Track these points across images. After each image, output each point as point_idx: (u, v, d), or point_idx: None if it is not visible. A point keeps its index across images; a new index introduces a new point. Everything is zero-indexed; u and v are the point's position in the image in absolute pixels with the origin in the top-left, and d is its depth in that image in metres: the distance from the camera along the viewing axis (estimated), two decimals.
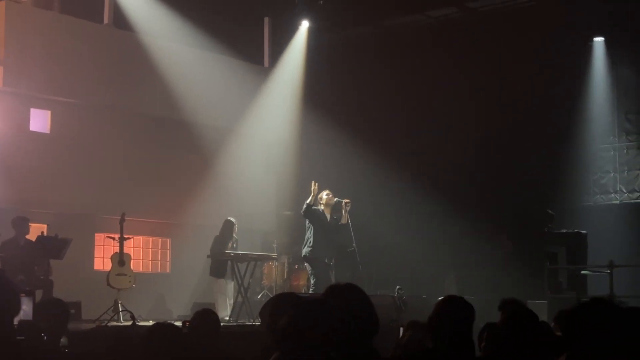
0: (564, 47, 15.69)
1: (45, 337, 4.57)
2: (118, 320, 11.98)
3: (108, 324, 11.16)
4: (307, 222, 13.00)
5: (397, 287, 12.39)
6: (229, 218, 14.18)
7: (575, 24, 15.50)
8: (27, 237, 12.20)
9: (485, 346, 5.62)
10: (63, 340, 5.42)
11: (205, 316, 5.71)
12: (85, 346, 6.68)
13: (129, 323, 11.15)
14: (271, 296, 14.30)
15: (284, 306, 3.99)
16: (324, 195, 13.03)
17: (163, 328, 4.22)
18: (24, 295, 3.60)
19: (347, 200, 12.94)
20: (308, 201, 12.81)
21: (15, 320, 2.80)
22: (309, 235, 12.90)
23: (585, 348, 3.67)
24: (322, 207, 13.00)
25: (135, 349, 5.04)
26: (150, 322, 12.19)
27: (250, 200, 16.72)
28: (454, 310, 4.37)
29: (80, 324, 11.09)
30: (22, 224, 12.21)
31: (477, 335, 5.59)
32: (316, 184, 12.84)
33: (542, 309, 11.24)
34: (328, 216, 13.01)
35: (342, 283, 3.58)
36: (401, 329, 6.11)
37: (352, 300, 3.42)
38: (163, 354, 4.11)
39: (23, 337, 3.30)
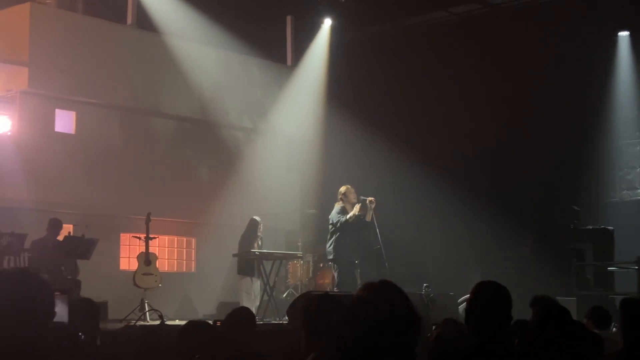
0: (588, 42, 15.55)
1: (82, 337, 4.59)
2: (145, 319, 12.02)
3: (137, 324, 11.17)
4: (332, 222, 12.94)
5: (425, 284, 12.34)
6: (254, 217, 14.19)
7: (599, 19, 15.35)
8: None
9: (518, 343, 5.58)
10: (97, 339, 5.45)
11: (240, 314, 5.69)
12: (116, 346, 6.70)
13: (157, 322, 11.17)
14: (297, 295, 14.43)
15: (320, 306, 3.98)
16: (349, 192, 12.98)
17: (197, 325, 4.22)
18: (58, 294, 3.60)
19: (372, 199, 12.88)
20: (348, 217, 12.74)
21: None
22: (334, 235, 12.84)
23: None
24: (347, 205, 12.95)
25: (167, 348, 5.05)
26: (177, 322, 12.25)
27: (274, 199, 16.72)
28: (491, 294, 4.33)
29: (107, 324, 11.12)
30: (56, 226, 12.36)
31: None
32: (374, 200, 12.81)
33: (571, 306, 11.15)
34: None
35: (376, 281, 3.54)
36: (433, 326, 6.07)
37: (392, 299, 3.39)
38: (196, 351, 4.10)
39: (60, 339, 3.31)
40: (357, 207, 12.74)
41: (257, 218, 14.17)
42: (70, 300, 4.60)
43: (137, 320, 11.59)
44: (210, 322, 6.78)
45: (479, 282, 4.48)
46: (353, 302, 2.98)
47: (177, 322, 12.44)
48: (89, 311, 5.31)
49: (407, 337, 2.85)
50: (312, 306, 4.01)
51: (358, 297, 3.01)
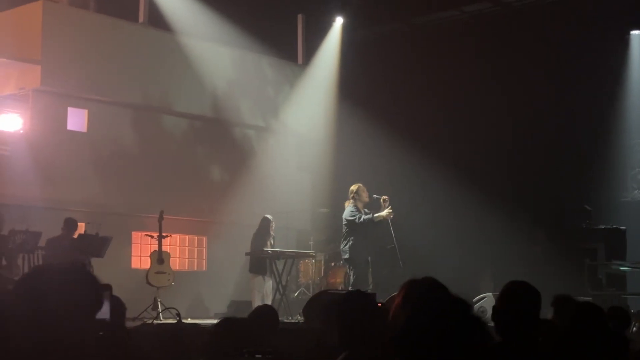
0: (600, 41, 15.51)
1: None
2: (159, 318, 12.02)
3: (153, 322, 11.16)
4: (345, 221, 12.85)
5: None
6: (266, 215, 14.18)
7: (612, 17, 15.31)
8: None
9: (542, 343, 5.55)
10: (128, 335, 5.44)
11: (264, 312, 5.69)
12: (136, 344, 6.68)
13: (173, 321, 11.15)
14: (309, 294, 14.43)
15: (358, 304, 3.97)
16: (361, 191, 12.91)
17: (234, 322, 4.20)
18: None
19: (386, 197, 12.81)
20: (370, 216, 12.69)
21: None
22: (350, 235, 12.77)
23: None
24: (359, 204, 12.87)
25: (191, 346, 5.03)
26: (190, 320, 12.25)
27: (285, 198, 16.71)
28: (520, 295, 4.32)
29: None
30: (72, 226, 12.40)
31: None
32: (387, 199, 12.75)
33: None
34: (364, 212, 12.87)
35: (420, 278, 3.51)
36: None
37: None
38: (230, 349, 4.09)
39: (102, 333, 3.32)
40: (387, 211, 12.64)
41: (269, 217, 14.16)
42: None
43: (153, 319, 11.58)
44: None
45: (510, 281, 4.46)
46: (406, 298, 2.96)
47: (189, 320, 12.45)
48: (116, 308, 5.29)
49: (460, 329, 2.82)
50: (346, 304, 3.99)
51: (410, 293, 2.99)
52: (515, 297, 4.32)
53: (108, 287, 3.41)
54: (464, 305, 2.93)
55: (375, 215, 12.62)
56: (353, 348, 3.83)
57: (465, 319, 2.87)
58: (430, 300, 2.91)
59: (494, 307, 4.37)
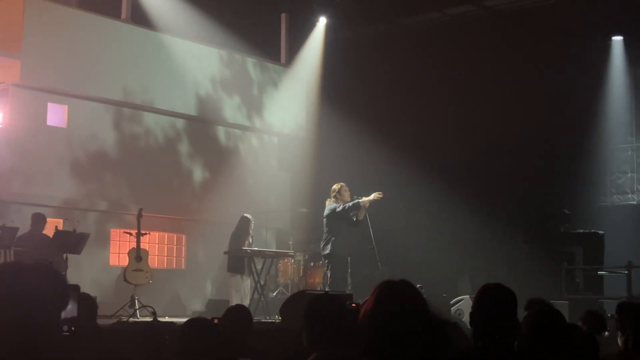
0: (583, 46, 15.62)
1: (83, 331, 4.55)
2: (135, 316, 11.97)
3: (129, 320, 11.11)
4: (326, 220, 12.85)
5: (418, 285, 12.28)
6: (245, 215, 14.16)
7: (594, 23, 15.41)
8: (44, 232, 12.28)
9: (518, 347, 5.56)
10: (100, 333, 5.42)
11: (237, 312, 5.68)
12: (109, 342, 6.66)
13: (149, 319, 11.12)
14: (287, 294, 14.42)
15: (323, 306, 3.96)
16: (342, 189, 12.90)
17: (201, 323, 4.19)
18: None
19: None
20: (356, 201, 12.67)
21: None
22: (329, 233, 12.77)
23: None
24: (340, 202, 12.85)
25: (165, 344, 5.02)
26: (167, 318, 12.22)
27: (265, 198, 16.71)
28: (495, 298, 4.31)
29: (97, 319, 11.03)
30: (40, 221, 12.31)
31: None
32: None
33: (563, 309, 11.16)
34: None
35: (395, 280, 3.49)
36: None
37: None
38: (199, 348, 4.07)
39: (68, 332, 3.30)
40: (374, 194, 12.61)
41: (248, 216, 14.13)
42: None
43: (129, 317, 11.53)
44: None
45: (485, 284, 4.45)
46: (377, 300, 2.95)
47: (166, 318, 12.42)
48: (87, 306, 5.28)
49: (431, 338, 2.83)
50: (314, 306, 3.98)
51: (382, 295, 2.98)
52: (490, 301, 4.31)
53: (75, 287, 3.40)
54: (434, 313, 2.94)
55: (361, 200, 12.60)
56: (322, 350, 3.82)
57: (436, 325, 2.88)
58: (401, 304, 2.91)
59: (470, 312, 4.36)
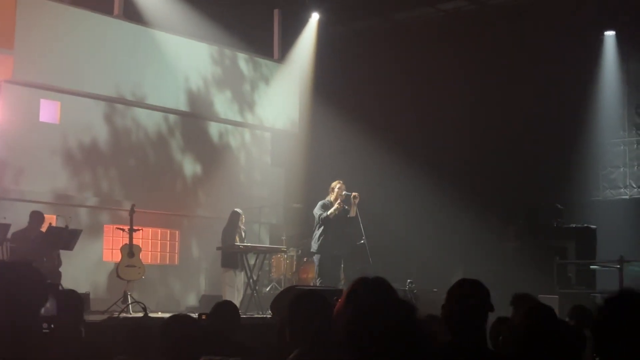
0: (575, 41, 15.62)
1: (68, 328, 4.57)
2: (128, 312, 11.98)
3: (120, 316, 11.13)
4: (317, 216, 12.94)
5: (408, 280, 12.37)
6: (235, 209, 14.16)
7: (586, 18, 15.43)
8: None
9: (503, 341, 5.59)
10: (82, 330, 5.43)
11: (225, 308, 5.70)
12: (99, 337, 6.68)
13: (141, 314, 11.14)
14: (280, 289, 14.43)
15: (304, 303, 3.98)
16: (337, 187, 12.97)
17: (181, 319, 4.20)
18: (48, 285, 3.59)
19: (356, 194, 12.90)
20: (329, 213, 12.77)
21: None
22: (319, 229, 12.85)
23: (620, 345, 3.18)
24: (332, 198, 12.93)
25: (152, 340, 5.03)
26: (160, 314, 12.22)
27: (259, 193, 16.73)
28: (467, 293, 4.32)
29: (90, 315, 11.07)
30: (38, 219, 12.31)
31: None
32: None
33: (553, 304, 11.18)
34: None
35: (371, 277, 3.52)
36: None
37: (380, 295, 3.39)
38: (180, 345, 4.09)
39: (48, 330, 3.30)
40: (337, 205, 12.76)
41: (238, 210, 14.13)
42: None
43: (120, 312, 11.55)
44: (195, 315, 6.78)
45: (460, 279, 4.47)
46: (349, 297, 2.97)
47: (159, 314, 12.43)
48: (73, 303, 5.29)
49: (403, 330, 2.84)
50: (296, 303, 4.01)
51: (353, 292, 3.01)
52: (462, 296, 4.33)
53: (55, 285, 3.42)
54: (409, 308, 2.95)
55: (329, 212, 12.78)
56: (304, 346, 3.85)
57: (410, 321, 2.89)
58: (374, 301, 2.93)
59: (442, 306, 4.38)
